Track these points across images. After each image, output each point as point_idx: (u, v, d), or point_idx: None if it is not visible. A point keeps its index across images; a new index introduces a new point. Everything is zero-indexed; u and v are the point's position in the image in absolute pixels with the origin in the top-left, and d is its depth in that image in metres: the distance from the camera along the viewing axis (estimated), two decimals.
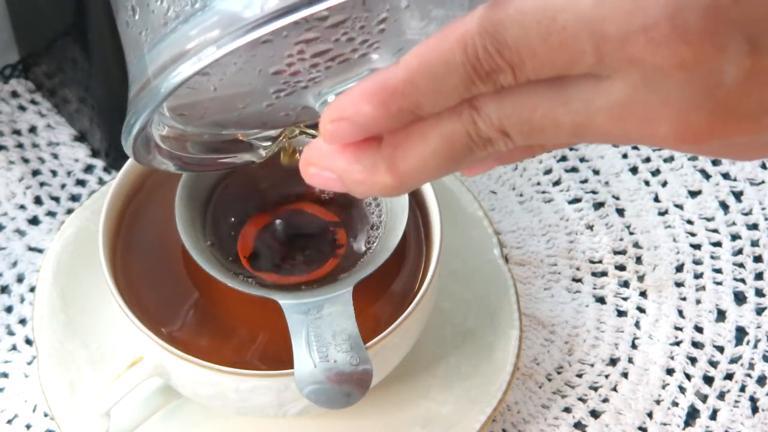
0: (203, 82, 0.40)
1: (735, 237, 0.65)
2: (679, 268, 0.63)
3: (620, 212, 0.65)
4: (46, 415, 0.57)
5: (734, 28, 0.33)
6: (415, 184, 0.37)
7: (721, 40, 0.33)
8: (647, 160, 0.67)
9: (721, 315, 0.62)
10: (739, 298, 0.62)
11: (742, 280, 0.63)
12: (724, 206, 0.66)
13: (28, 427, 0.57)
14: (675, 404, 0.59)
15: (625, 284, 0.63)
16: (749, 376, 0.60)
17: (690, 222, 0.65)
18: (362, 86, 0.36)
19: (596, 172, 0.67)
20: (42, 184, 0.65)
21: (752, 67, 0.33)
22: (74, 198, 0.65)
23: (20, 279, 0.62)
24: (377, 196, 0.39)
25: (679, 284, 0.63)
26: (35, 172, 0.66)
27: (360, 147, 0.37)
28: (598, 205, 0.66)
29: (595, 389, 0.59)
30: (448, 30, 0.34)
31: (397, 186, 0.37)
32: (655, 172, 0.67)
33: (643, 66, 0.33)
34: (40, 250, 0.63)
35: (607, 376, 0.59)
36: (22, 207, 0.64)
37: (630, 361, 0.60)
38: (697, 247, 0.64)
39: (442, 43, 0.34)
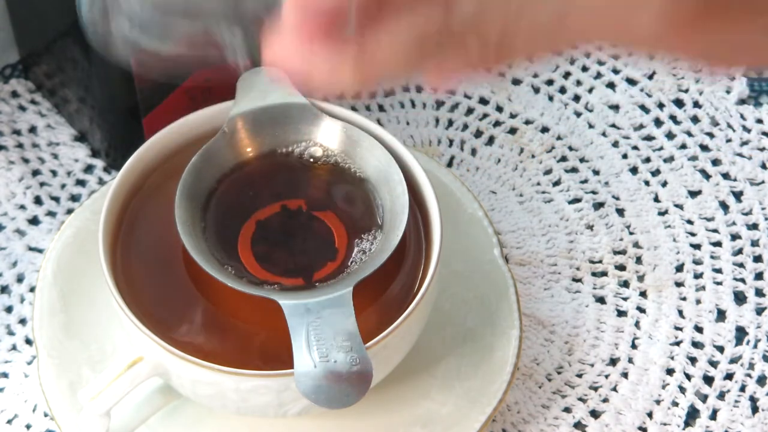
0: None
1: (735, 237, 0.65)
2: (679, 268, 0.63)
3: (620, 212, 0.65)
4: (46, 415, 0.57)
5: None
6: (380, 76, 0.36)
7: None
8: (647, 160, 0.67)
9: (721, 315, 0.62)
10: (739, 298, 0.62)
11: (742, 280, 0.63)
12: (724, 206, 0.66)
13: (28, 427, 0.57)
14: (675, 404, 0.59)
15: (625, 284, 0.63)
16: (749, 376, 0.60)
17: (690, 222, 0.65)
18: None
19: (596, 172, 0.67)
20: (42, 184, 0.65)
21: None
22: (74, 198, 0.65)
23: (20, 279, 0.62)
24: (343, 90, 0.37)
25: (679, 284, 0.63)
26: (35, 172, 0.66)
27: (327, 38, 0.35)
28: (598, 205, 0.66)
29: (595, 389, 0.59)
30: None
31: (363, 80, 0.36)
32: (655, 172, 0.67)
33: None
34: (40, 250, 0.63)
35: (607, 376, 0.60)
36: (22, 207, 0.64)
37: (630, 361, 0.60)
38: (697, 247, 0.64)
39: None
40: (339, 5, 0.34)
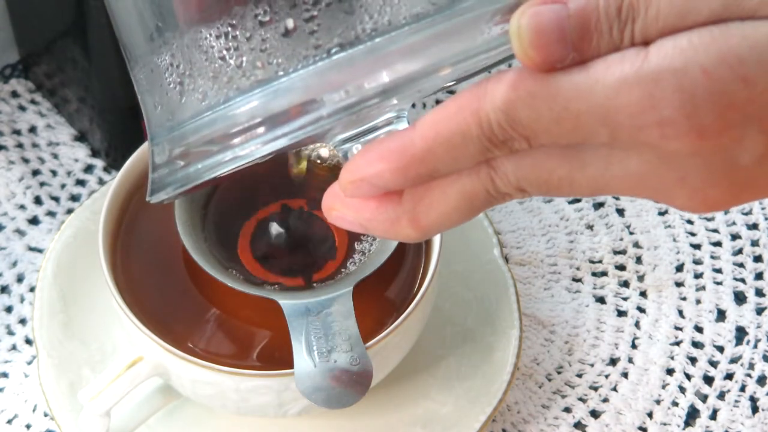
0: None
1: (735, 237, 0.65)
2: (679, 268, 0.63)
3: (620, 212, 0.65)
4: (46, 415, 0.57)
5: (750, 121, 0.33)
6: (437, 233, 0.39)
7: (738, 133, 0.33)
8: None
9: (721, 315, 0.62)
10: (739, 298, 0.62)
11: (742, 280, 0.63)
12: None
13: (28, 427, 0.57)
14: (675, 404, 0.59)
15: (625, 284, 0.63)
16: (749, 376, 0.60)
17: (690, 222, 0.65)
18: (380, 150, 0.36)
19: None
20: (42, 184, 0.65)
21: None
22: (74, 198, 0.65)
23: (20, 279, 0.62)
24: (402, 240, 0.41)
25: (679, 284, 0.63)
26: (35, 172, 0.66)
27: (382, 200, 0.38)
28: (598, 205, 0.66)
29: (595, 389, 0.59)
30: (463, 102, 0.35)
31: (419, 236, 0.38)
32: None
33: (659, 149, 0.34)
34: (40, 250, 0.63)
35: (607, 376, 0.59)
36: (22, 207, 0.64)
37: (630, 361, 0.60)
38: (697, 247, 0.64)
39: (458, 115, 0.35)
40: (393, 183, 0.37)
